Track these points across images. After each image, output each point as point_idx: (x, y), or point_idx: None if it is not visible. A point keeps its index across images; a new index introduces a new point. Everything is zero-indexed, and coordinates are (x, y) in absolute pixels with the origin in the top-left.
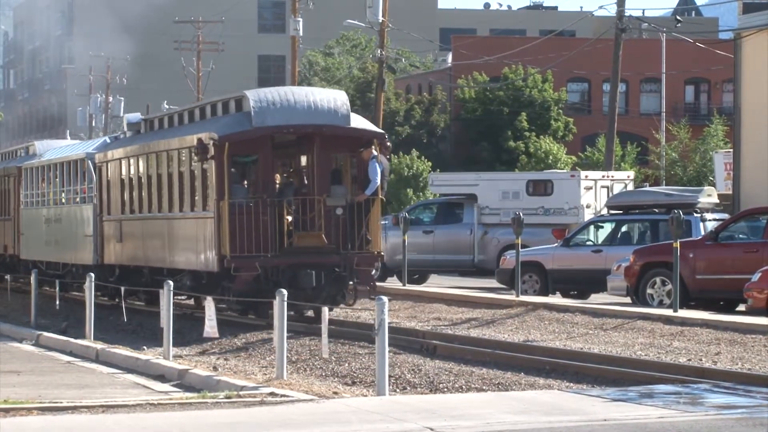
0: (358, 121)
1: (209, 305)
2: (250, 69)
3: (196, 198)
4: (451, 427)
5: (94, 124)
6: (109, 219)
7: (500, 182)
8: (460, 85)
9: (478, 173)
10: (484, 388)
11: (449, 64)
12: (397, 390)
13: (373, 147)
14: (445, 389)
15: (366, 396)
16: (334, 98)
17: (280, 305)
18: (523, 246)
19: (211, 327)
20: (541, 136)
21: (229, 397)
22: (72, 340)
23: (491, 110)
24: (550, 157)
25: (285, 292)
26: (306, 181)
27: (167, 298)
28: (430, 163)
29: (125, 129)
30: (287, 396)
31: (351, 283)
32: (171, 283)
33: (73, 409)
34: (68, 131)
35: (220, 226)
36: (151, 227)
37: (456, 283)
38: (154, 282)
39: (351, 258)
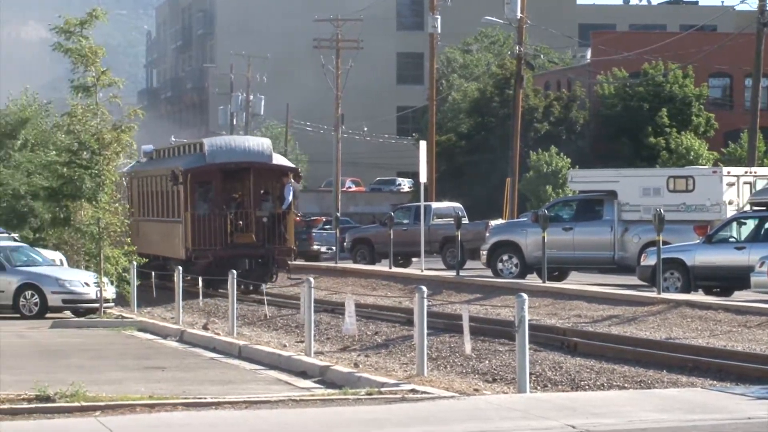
0: (278, 159)
1: (349, 303)
2: (388, 67)
3: (174, 208)
4: (592, 424)
5: (234, 122)
6: (135, 219)
7: (640, 178)
8: (599, 81)
9: (618, 170)
10: (625, 385)
11: (588, 60)
12: (538, 387)
13: (289, 176)
14: (586, 387)
15: (507, 393)
16: (261, 143)
17: (420, 301)
18: (664, 243)
19: (351, 324)
20: (682, 132)
21: (370, 394)
22: (215, 336)
23: (631, 106)
24: (692, 153)
25: (424, 289)
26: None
27: (308, 294)
28: (569, 160)
29: (143, 157)
30: (428, 393)
31: (273, 267)
32: (234, 272)
33: (217, 404)
34: (208, 129)
35: (185, 229)
36: (155, 227)
37: (596, 281)
38: (164, 265)
39: (272, 250)
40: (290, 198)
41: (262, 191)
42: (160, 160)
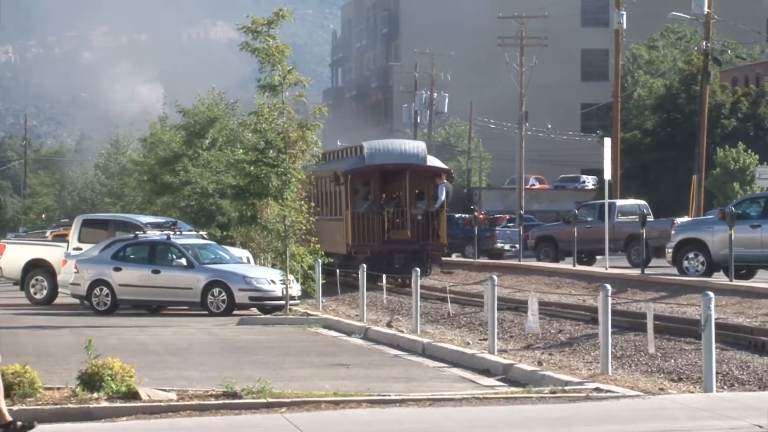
0: (432, 161)
1: (532, 300)
2: (572, 63)
3: (337, 207)
4: None
5: (419, 120)
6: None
7: None
8: None
9: None
10: None
11: None
12: (725, 387)
13: (442, 177)
14: None
15: (692, 392)
16: (416, 146)
17: (604, 300)
18: None
19: (534, 322)
20: None
21: (553, 392)
22: (399, 333)
23: None
24: None
25: (609, 287)
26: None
27: (492, 293)
28: (757, 156)
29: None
30: (612, 392)
31: (427, 262)
32: (418, 270)
33: (401, 402)
34: (393, 127)
35: (346, 226)
36: (321, 225)
37: None
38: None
39: (426, 246)
40: (443, 197)
41: (416, 191)
42: (326, 163)
